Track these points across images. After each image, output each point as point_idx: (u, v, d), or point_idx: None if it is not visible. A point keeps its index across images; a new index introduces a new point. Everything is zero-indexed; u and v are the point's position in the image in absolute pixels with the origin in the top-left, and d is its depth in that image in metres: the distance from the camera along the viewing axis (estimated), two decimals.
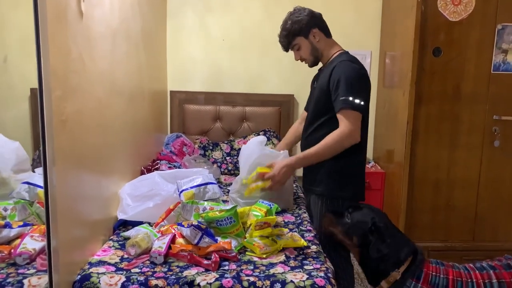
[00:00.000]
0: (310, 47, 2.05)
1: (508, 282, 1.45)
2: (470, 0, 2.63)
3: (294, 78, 3.17)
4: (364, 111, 1.92)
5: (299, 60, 2.12)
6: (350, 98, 1.86)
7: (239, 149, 2.68)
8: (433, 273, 1.50)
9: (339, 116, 1.89)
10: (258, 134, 3.02)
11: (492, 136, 2.75)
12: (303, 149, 2.08)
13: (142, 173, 2.32)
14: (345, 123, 1.87)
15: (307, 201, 2.25)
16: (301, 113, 2.43)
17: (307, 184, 2.15)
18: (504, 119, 2.73)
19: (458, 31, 2.66)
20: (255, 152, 2.11)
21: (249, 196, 1.99)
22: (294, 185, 2.36)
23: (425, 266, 1.52)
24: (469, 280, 1.48)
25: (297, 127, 2.38)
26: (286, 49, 2.11)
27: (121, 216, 1.89)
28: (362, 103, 1.88)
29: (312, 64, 2.12)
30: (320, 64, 2.13)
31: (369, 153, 3.31)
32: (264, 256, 1.64)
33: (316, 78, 2.17)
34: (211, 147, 3.03)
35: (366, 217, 1.59)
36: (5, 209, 1.39)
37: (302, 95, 2.23)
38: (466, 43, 2.67)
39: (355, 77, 1.90)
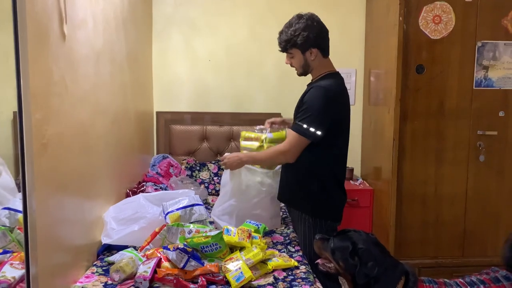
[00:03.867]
0: (303, 61, 2.03)
1: None
2: (450, 19, 2.69)
3: (280, 96, 3.19)
4: (318, 139, 1.90)
5: (288, 64, 2.09)
6: (305, 126, 1.90)
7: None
8: None
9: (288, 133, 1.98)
10: None
11: (477, 151, 2.78)
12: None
13: (127, 195, 2.28)
14: (285, 143, 1.97)
15: (292, 221, 2.22)
16: None
17: (288, 204, 2.18)
18: (488, 134, 2.76)
19: (440, 48, 2.71)
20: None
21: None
22: (282, 205, 2.34)
23: (419, 286, 1.50)
24: None
25: None
26: (282, 51, 2.07)
27: (105, 240, 1.84)
28: (319, 132, 1.89)
29: (300, 75, 2.10)
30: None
31: (357, 170, 3.31)
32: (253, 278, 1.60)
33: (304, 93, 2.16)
34: (198, 168, 3.00)
35: (347, 241, 1.56)
36: None
37: (289, 114, 2.23)
38: (448, 60, 2.72)
39: (319, 106, 1.90)
